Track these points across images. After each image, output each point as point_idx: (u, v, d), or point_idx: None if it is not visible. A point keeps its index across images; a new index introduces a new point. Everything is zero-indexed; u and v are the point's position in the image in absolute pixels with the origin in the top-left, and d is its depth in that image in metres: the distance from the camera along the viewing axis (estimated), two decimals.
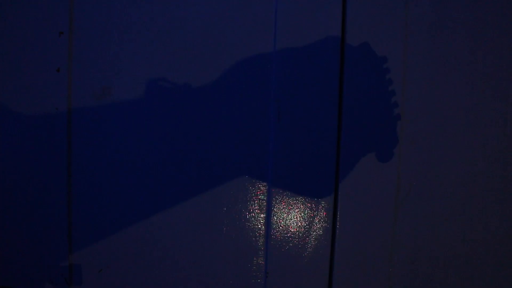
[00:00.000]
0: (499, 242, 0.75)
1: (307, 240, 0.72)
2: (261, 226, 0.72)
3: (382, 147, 0.72)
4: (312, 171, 0.71)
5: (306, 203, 0.72)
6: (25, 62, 0.68)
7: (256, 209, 0.71)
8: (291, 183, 0.71)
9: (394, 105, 0.71)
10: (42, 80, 0.69)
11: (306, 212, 0.72)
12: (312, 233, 0.72)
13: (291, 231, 0.72)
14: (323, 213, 0.72)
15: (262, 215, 0.72)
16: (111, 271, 0.71)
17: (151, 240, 0.71)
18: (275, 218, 0.72)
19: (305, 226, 0.72)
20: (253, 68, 0.70)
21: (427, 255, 0.74)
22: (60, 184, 0.69)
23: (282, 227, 0.72)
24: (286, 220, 0.72)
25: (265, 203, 0.72)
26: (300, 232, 0.72)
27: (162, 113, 0.70)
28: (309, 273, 0.72)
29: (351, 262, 0.73)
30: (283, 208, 0.72)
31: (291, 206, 0.72)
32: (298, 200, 0.72)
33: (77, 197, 0.70)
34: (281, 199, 0.72)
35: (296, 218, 0.72)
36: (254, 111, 0.70)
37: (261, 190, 0.71)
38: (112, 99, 0.69)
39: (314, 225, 0.72)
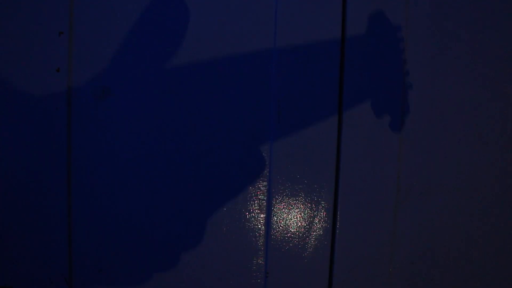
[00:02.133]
0: (499, 242, 0.75)
1: (307, 240, 0.72)
2: (261, 226, 0.72)
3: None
4: (312, 171, 0.71)
5: (306, 203, 0.72)
6: (25, 62, 0.68)
7: (256, 209, 0.71)
8: (291, 183, 0.71)
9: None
10: (42, 80, 0.69)
11: (306, 212, 0.72)
12: (312, 233, 0.72)
13: (291, 231, 0.72)
14: (323, 213, 0.72)
15: (262, 215, 0.72)
16: (111, 271, 0.71)
17: (151, 240, 0.71)
18: (275, 218, 0.72)
19: (305, 226, 0.72)
20: (253, 68, 0.70)
21: (427, 255, 0.74)
22: (60, 184, 0.69)
23: (282, 227, 0.72)
24: (286, 220, 0.72)
25: (265, 203, 0.72)
26: (300, 232, 0.72)
27: (162, 113, 0.70)
28: (309, 273, 0.72)
29: (351, 262, 0.73)
30: (283, 208, 0.72)
31: (291, 206, 0.72)
32: (298, 200, 0.72)
33: (77, 197, 0.70)
34: (281, 199, 0.72)
35: (296, 218, 0.72)
36: (255, 110, 0.70)
37: (261, 190, 0.71)
38: (112, 99, 0.69)
39: (314, 225, 0.72)
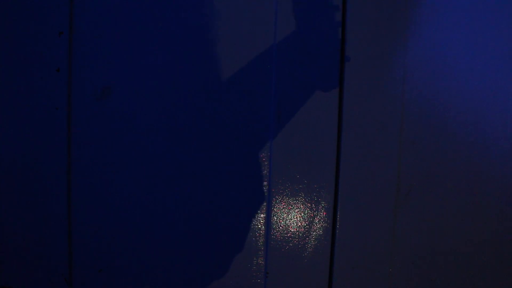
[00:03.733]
0: (499, 242, 0.74)
1: (307, 240, 0.72)
2: (261, 226, 0.72)
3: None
4: (312, 171, 0.71)
5: (306, 203, 0.72)
6: (25, 62, 0.68)
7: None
8: (291, 183, 0.71)
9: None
10: (42, 80, 0.69)
11: (306, 212, 0.72)
12: (312, 233, 0.72)
13: (291, 231, 0.72)
14: (323, 213, 0.72)
15: (262, 215, 0.72)
16: (111, 271, 0.71)
17: (151, 240, 0.71)
18: (275, 218, 0.72)
19: (305, 226, 0.72)
20: (254, 68, 0.70)
21: (427, 255, 0.74)
22: (60, 184, 0.69)
23: (282, 227, 0.72)
24: (286, 220, 0.72)
25: (265, 203, 0.71)
26: (300, 232, 0.72)
27: (162, 113, 0.70)
28: (309, 273, 0.72)
29: (351, 262, 0.73)
30: (283, 208, 0.72)
31: (291, 206, 0.72)
32: (298, 200, 0.72)
33: (77, 197, 0.70)
34: (281, 199, 0.72)
35: (296, 218, 0.72)
36: (255, 111, 0.70)
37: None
38: (112, 99, 0.69)
39: (314, 225, 0.72)
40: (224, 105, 0.70)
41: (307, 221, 0.72)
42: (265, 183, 0.71)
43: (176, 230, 0.71)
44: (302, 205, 0.72)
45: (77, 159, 0.69)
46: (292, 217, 0.72)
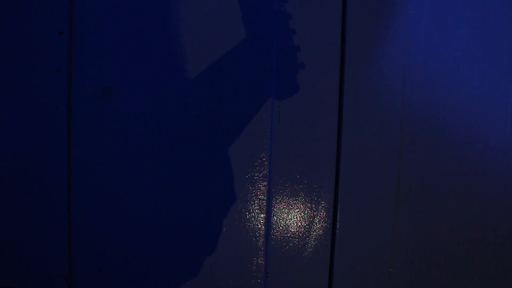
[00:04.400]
0: (499, 242, 0.75)
1: (307, 240, 0.72)
2: (261, 226, 0.72)
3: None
4: (312, 171, 0.71)
5: (306, 203, 0.72)
6: (25, 62, 0.68)
7: (256, 209, 0.71)
8: (291, 183, 0.71)
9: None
10: (42, 80, 0.69)
11: (306, 212, 0.72)
12: (312, 233, 0.72)
13: (291, 231, 0.72)
14: (323, 213, 0.72)
15: (262, 215, 0.72)
16: (111, 271, 0.71)
17: (151, 240, 0.71)
18: (275, 218, 0.72)
19: (305, 226, 0.72)
20: (254, 68, 0.70)
21: (427, 255, 0.74)
22: (60, 184, 0.69)
23: (282, 227, 0.72)
24: (286, 220, 0.72)
25: (265, 203, 0.72)
26: (300, 232, 0.72)
27: (162, 112, 0.70)
28: (309, 273, 0.72)
29: (351, 262, 0.73)
30: (283, 208, 0.72)
31: (291, 206, 0.72)
32: (298, 200, 0.72)
33: (77, 197, 0.70)
34: (281, 199, 0.72)
35: (296, 218, 0.72)
36: (254, 110, 0.70)
37: (261, 190, 0.71)
38: (112, 99, 0.69)
39: (314, 225, 0.72)
40: (225, 105, 0.70)
41: (307, 221, 0.72)
42: (265, 183, 0.71)
43: (177, 230, 0.71)
44: (302, 205, 0.72)
45: (77, 159, 0.69)
46: (292, 217, 0.72)
